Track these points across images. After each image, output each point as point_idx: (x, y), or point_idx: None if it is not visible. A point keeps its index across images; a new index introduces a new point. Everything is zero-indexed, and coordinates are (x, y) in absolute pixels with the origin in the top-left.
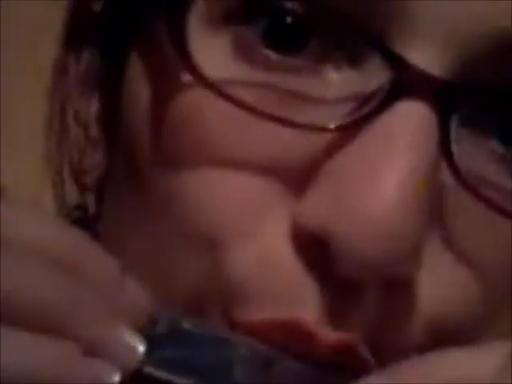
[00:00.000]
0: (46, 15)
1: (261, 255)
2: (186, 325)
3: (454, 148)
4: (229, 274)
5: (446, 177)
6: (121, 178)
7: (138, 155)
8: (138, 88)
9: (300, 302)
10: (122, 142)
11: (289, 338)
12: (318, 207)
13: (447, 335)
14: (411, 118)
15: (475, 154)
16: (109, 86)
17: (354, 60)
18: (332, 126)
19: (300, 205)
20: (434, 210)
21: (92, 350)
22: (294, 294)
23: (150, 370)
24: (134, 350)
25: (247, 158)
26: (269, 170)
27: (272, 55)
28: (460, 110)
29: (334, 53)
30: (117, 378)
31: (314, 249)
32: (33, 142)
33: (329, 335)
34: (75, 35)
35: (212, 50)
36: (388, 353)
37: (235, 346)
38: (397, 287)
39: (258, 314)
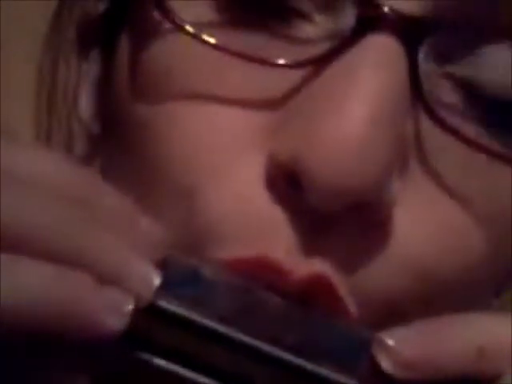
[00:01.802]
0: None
1: (235, 196)
2: (202, 269)
3: (423, 81)
4: (204, 218)
5: (420, 121)
6: (111, 147)
7: (123, 111)
8: (125, 54)
9: (273, 238)
10: (112, 113)
11: (261, 274)
12: (289, 140)
13: (435, 281)
14: (377, 49)
15: (450, 97)
16: (106, 80)
17: (324, 7)
18: (299, 62)
19: (274, 143)
20: (408, 151)
21: (105, 280)
22: (267, 232)
23: (164, 304)
24: (148, 281)
25: (220, 99)
26: (242, 110)
27: (246, 12)
28: (428, 46)
29: (304, 6)
30: (131, 306)
31: (288, 184)
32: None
33: (300, 267)
34: (83, 36)
35: (191, 6)
36: (367, 292)
37: (250, 292)
38: (371, 222)
39: (232, 252)
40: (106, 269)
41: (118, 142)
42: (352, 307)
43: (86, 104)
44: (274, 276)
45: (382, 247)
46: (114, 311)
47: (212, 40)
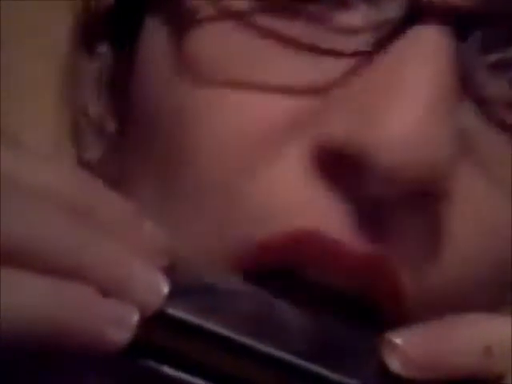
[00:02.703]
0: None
1: (283, 180)
2: (207, 276)
3: (473, 72)
4: (252, 203)
5: (467, 114)
6: (134, 146)
7: (150, 104)
8: (154, 46)
9: (325, 217)
10: (135, 109)
11: (315, 248)
12: (346, 124)
13: (474, 282)
14: (429, 39)
15: (494, 89)
16: (122, 76)
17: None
18: (351, 51)
19: (323, 127)
20: (459, 147)
21: (111, 291)
22: (319, 212)
23: (172, 311)
24: (157, 289)
25: (267, 84)
26: (289, 96)
27: (289, 3)
28: (475, 37)
29: None
30: (136, 318)
31: (339, 170)
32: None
33: (358, 246)
34: (88, 32)
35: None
36: (413, 286)
37: (258, 298)
38: (427, 214)
39: (278, 227)
40: (111, 279)
41: (143, 138)
42: (410, 301)
43: (96, 101)
44: (329, 250)
45: (437, 242)
46: (118, 325)
47: (262, 25)
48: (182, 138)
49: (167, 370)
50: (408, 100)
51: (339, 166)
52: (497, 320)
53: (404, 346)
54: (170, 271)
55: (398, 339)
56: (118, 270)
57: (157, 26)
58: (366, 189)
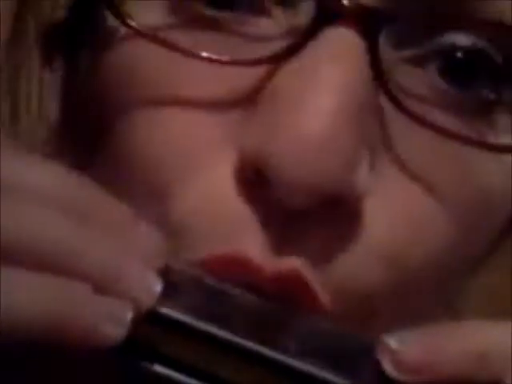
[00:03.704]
0: None
1: (204, 195)
2: (203, 276)
3: (385, 70)
4: (173, 219)
5: (386, 110)
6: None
7: (88, 116)
8: (87, 62)
9: (243, 236)
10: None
11: (234, 272)
12: (252, 136)
13: (405, 270)
14: (335, 42)
15: (414, 84)
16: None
17: (282, 2)
18: (261, 58)
19: (240, 139)
20: (375, 135)
21: (106, 289)
22: (237, 230)
23: (165, 311)
24: (150, 288)
25: (185, 99)
26: (209, 110)
27: (204, 10)
28: (388, 34)
29: (262, 1)
30: (130, 314)
31: (258, 181)
32: None
33: (271, 264)
34: (47, 43)
35: (148, 10)
36: (341, 283)
37: (250, 299)
38: (343, 214)
39: (202, 252)
40: (106, 278)
41: (88, 148)
42: (325, 300)
43: (52, 111)
44: (245, 273)
45: (354, 239)
46: (113, 320)
47: (173, 42)
48: (114, 151)
49: (159, 368)
50: (305, 108)
51: (257, 179)
52: (492, 327)
53: (400, 351)
54: (165, 271)
55: (394, 343)
56: (112, 269)
57: (87, 43)
58: (278, 200)
